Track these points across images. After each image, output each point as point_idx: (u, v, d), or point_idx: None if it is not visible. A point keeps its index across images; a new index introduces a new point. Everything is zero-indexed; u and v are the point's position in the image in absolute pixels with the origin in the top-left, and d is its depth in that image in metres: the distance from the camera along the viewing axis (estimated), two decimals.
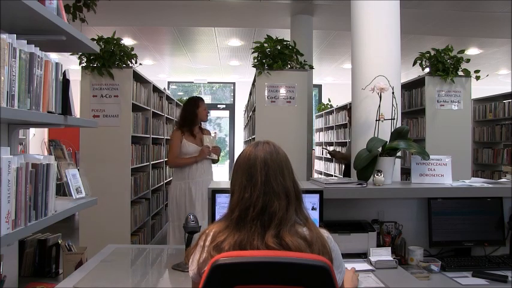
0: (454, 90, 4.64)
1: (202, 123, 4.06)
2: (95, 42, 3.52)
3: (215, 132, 4.13)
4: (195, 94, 13.37)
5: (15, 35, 1.37)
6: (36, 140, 8.83)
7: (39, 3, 1.49)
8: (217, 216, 1.98)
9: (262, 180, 1.28)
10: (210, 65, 10.46)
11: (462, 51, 4.76)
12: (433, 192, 2.29)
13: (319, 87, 12.62)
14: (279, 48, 4.27)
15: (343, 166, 5.94)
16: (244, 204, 1.28)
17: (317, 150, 10.90)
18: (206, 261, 1.23)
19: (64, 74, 1.71)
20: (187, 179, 3.85)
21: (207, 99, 12.75)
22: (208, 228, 1.34)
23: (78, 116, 2.20)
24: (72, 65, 6.29)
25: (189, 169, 3.85)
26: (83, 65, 4.22)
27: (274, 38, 4.26)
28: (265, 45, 4.25)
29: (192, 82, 12.76)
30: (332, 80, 12.19)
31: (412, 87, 5.10)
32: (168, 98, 6.67)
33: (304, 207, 1.35)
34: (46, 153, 2.57)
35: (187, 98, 4.31)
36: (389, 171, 2.45)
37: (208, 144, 3.86)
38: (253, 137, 4.75)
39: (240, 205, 1.28)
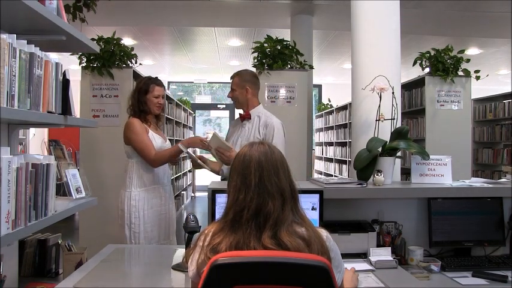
0: (454, 90, 4.64)
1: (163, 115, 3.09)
2: (95, 42, 3.52)
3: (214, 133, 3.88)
4: (194, 94, 13.21)
5: (15, 35, 1.37)
6: (36, 140, 8.82)
7: (39, 3, 1.49)
8: (217, 217, 1.98)
9: (256, 181, 1.28)
10: (210, 65, 10.46)
11: (462, 51, 4.76)
12: (433, 192, 2.28)
13: (319, 87, 12.61)
14: (279, 48, 4.27)
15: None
16: (238, 206, 1.28)
17: (317, 150, 10.89)
18: (204, 262, 1.23)
19: (64, 74, 1.71)
20: (157, 184, 2.82)
21: (207, 99, 12.64)
22: (207, 228, 1.34)
23: (78, 116, 2.20)
24: (72, 65, 6.28)
25: (157, 170, 2.81)
26: (83, 65, 4.23)
27: (274, 38, 4.26)
28: (265, 45, 4.25)
29: (192, 82, 12.75)
30: (332, 80, 12.19)
31: (412, 87, 5.10)
32: (168, 98, 6.67)
33: (300, 206, 1.35)
34: (46, 153, 2.57)
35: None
36: (389, 171, 2.45)
37: (211, 143, 2.66)
38: None
39: (235, 207, 1.28)
